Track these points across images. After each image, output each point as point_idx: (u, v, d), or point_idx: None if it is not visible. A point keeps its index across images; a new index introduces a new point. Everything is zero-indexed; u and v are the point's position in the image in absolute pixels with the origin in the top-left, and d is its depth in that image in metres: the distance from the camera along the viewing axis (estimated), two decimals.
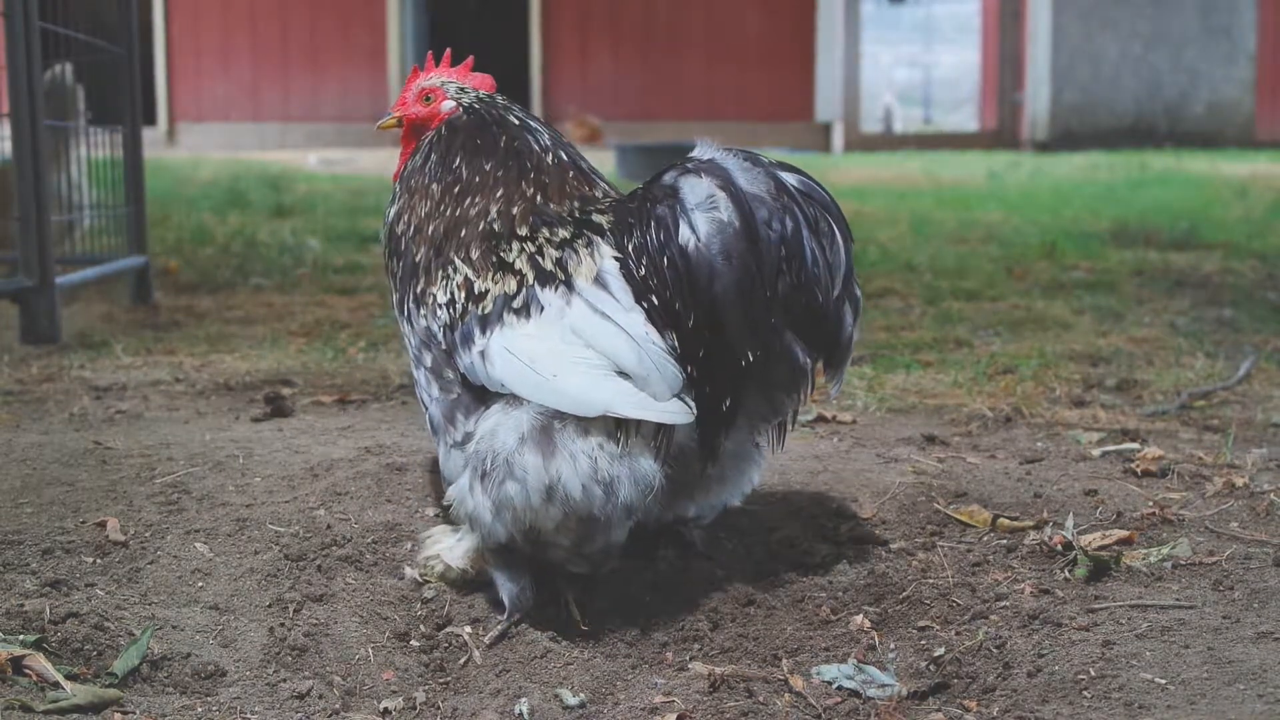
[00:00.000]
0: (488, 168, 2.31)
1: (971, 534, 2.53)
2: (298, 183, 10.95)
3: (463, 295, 2.21)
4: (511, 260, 2.20)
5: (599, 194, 2.33)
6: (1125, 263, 6.49)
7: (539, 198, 2.28)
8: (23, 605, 2.05)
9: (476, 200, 2.28)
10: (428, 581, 2.32)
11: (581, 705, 2.00)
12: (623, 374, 2.07)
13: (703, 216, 2.10)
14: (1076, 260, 6.59)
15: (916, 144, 19.75)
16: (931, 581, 2.34)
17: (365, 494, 2.61)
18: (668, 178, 2.17)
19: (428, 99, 2.41)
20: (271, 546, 2.37)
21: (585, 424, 2.08)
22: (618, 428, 2.09)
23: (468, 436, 2.18)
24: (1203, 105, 18.51)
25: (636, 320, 2.09)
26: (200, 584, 2.25)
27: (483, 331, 2.16)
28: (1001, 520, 2.55)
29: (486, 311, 2.17)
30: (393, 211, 2.40)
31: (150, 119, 16.02)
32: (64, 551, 2.30)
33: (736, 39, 17.56)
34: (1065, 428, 3.31)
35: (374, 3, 17.54)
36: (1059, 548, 2.38)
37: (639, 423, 2.09)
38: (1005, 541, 2.48)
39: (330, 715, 1.93)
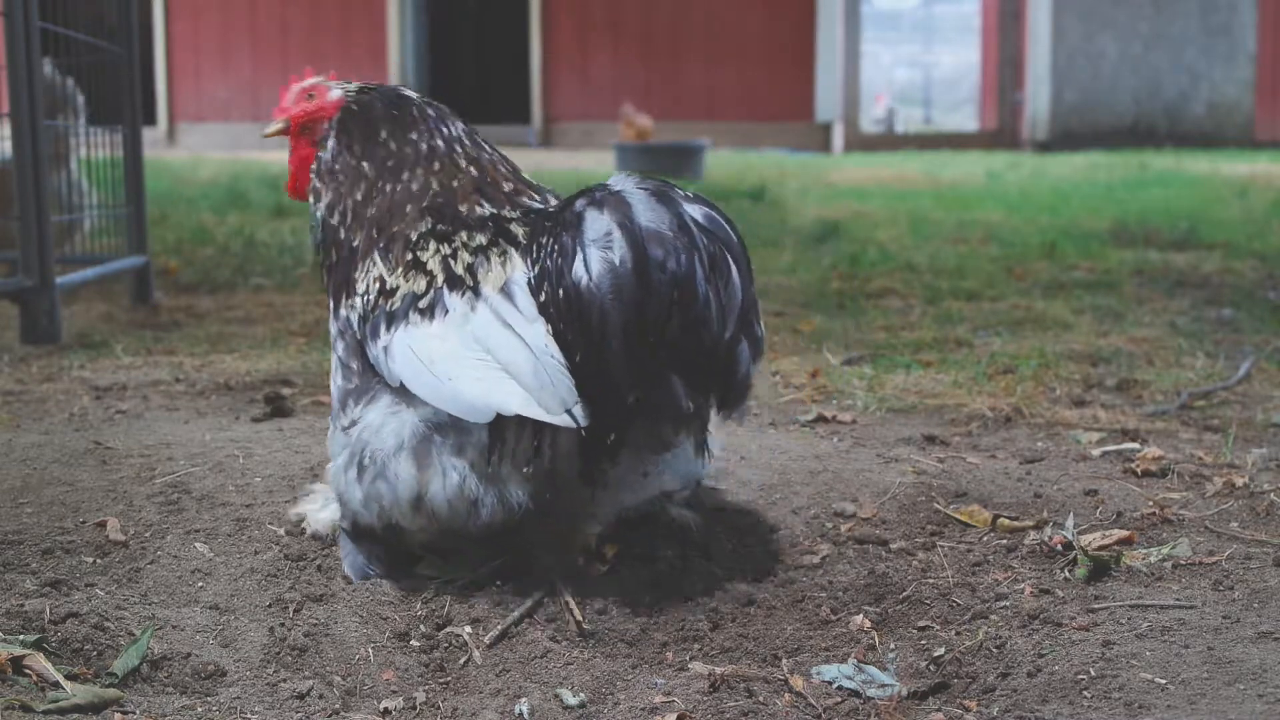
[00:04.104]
0: (393, 153, 2.32)
1: (971, 534, 2.53)
2: None
3: (375, 289, 2.24)
4: (425, 260, 2.23)
5: (520, 194, 2.33)
6: (1125, 263, 6.49)
7: (452, 190, 2.30)
8: (23, 605, 2.05)
9: (388, 190, 2.30)
10: (303, 532, 2.44)
11: (581, 705, 2.00)
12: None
13: (597, 254, 2.07)
14: (1076, 260, 6.59)
15: (916, 144, 19.77)
16: (931, 581, 2.34)
17: None
18: (579, 204, 2.14)
19: (310, 96, 2.42)
20: (271, 546, 2.37)
21: (462, 441, 2.13)
22: (493, 450, 2.13)
23: (353, 422, 2.23)
24: (1203, 105, 18.52)
25: (538, 332, 2.09)
26: (200, 584, 2.25)
27: (388, 327, 2.19)
28: (1001, 520, 2.55)
29: (394, 308, 2.20)
30: (319, 207, 2.39)
31: (150, 119, 16.03)
32: (64, 551, 2.30)
33: (737, 39, 17.56)
34: (1065, 428, 3.31)
35: (374, 3, 17.56)
36: (1059, 548, 2.38)
37: (514, 448, 2.12)
38: (1005, 541, 2.48)
39: (330, 715, 1.93)
